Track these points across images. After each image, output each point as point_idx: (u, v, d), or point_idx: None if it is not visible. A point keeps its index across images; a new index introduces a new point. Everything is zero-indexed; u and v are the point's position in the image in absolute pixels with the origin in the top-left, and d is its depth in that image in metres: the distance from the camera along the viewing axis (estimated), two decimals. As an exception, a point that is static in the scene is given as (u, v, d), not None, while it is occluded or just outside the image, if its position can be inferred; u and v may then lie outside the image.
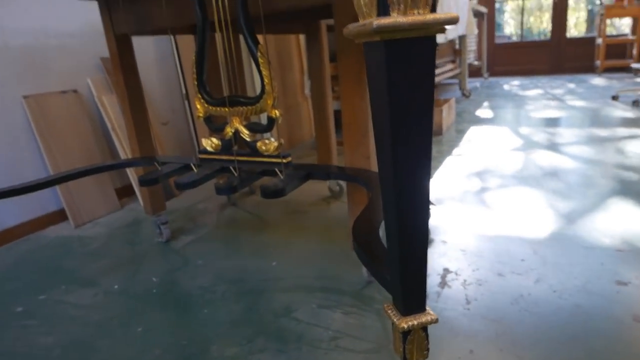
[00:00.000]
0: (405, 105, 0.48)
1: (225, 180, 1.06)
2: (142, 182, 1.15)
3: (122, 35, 1.49)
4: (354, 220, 0.80)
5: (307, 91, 3.30)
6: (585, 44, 6.30)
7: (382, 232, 0.77)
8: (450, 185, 1.99)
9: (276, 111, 1.09)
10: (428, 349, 0.55)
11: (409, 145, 0.49)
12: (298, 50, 3.28)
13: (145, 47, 2.37)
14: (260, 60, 1.12)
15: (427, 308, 0.55)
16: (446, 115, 3.16)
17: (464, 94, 4.82)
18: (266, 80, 1.12)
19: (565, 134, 2.79)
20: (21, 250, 1.70)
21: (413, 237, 0.51)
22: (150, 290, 1.31)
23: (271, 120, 1.11)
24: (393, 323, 0.55)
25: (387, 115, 0.47)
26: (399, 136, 0.48)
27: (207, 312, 1.17)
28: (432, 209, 1.58)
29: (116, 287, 1.35)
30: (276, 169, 1.12)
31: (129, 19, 1.42)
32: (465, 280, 1.21)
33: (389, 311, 0.55)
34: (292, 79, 3.22)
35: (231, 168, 1.16)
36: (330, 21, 2.00)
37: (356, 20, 0.51)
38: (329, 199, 1.96)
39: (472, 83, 6.02)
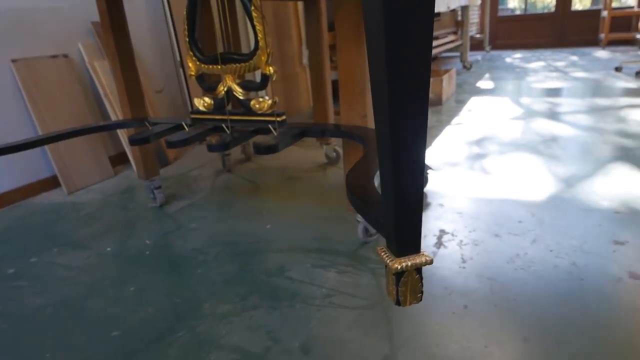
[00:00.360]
0: (403, 54, 0.45)
1: (218, 139, 1.03)
2: (132, 141, 1.12)
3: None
4: (349, 171, 0.78)
5: (305, 61, 3.23)
6: (590, 16, 6.16)
7: (377, 183, 0.75)
8: (448, 153, 1.96)
9: (270, 68, 1.05)
10: (422, 292, 0.53)
11: (406, 90, 0.46)
12: (296, 19, 3.20)
13: (138, 12, 2.31)
14: (254, 14, 1.08)
15: (422, 250, 0.53)
16: (446, 85, 3.10)
17: (465, 66, 4.73)
18: (260, 36, 1.08)
19: (566, 104, 2.74)
20: (12, 216, 1.69)
21: (409, 173, 0.49)
22: (143, 252, 1.30)
23: (265, 78, 1.07)
24: (386, 266, 0.53)
25: (384, 65, 0.44)
26: (396, 83, 0.45)
27: (200, 272, 1.16)
28: (430, 174, 1.55)
29: (109, 249, 1.34)
30: (270, 127, 1.09)
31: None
32: (461, 241, 1.19)
33: (382, 253, 0.53)
34: (290, 49, 3.15)
35: (224, 126, 1.13)
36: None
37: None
38: (325, 166, 1.94)
39: (474, 56, 5.91)
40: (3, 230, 1.57)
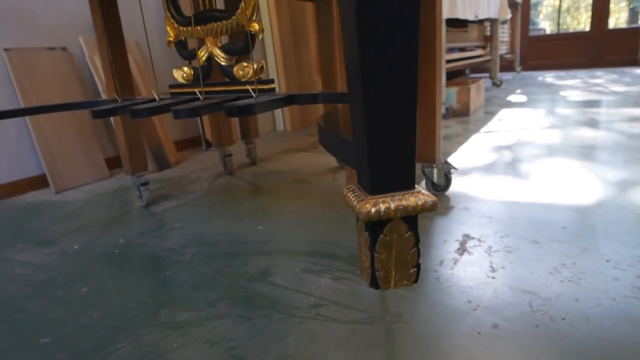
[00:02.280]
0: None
1: (187, 104, 0.85)
2: (95, 114, 0.96)
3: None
4: (322, 115, 0.58)
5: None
6: (628, 35, 5.85)
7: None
8: (477, 158, 1.73)
9: (255, 25, 0.88)
10: (418, 267, 0.32)
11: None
12: (314, 25, 3.08)
13: (148, 10, 2.21)
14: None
15: (418, 187, 0.32)
16: (474, 95, 2.88)
17: (494, 83, 4.50)
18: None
19: (606, 114, 2.47)
20: (-7, 213, 1.55)
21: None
22: (112, 251, 1.12)
23: (250, 37, 0.90)
24: (355, 210, 0.32)
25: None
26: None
27: (169, 274, 0.96)
28: (453, 173, 1.33)
29: (75, 247, 1.16)
30: (251, 91, 0.90)
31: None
32: (490, 247, 0.96)
33: (349, 193, 0.32)
34: (306, 56, 3.01)
35: (197, 93, 0.95)
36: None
37: None
38: (336, 170, 1.73)
39: (504, 76, 5.67)
40: (-26, 226, 1.42)
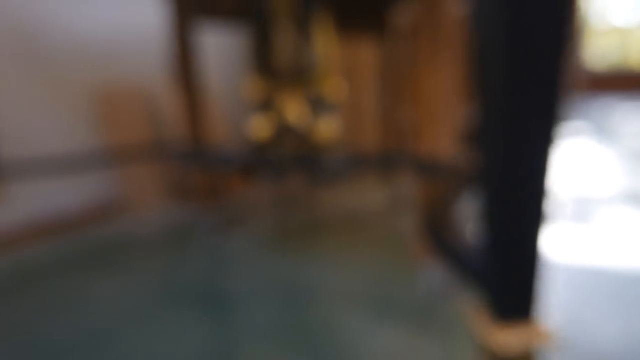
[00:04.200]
0: (528, 62, 0.28)
1: (268, 169, 0.90)
2: (176, 174, 1.02)
3: (184, 18, 1.42)
4: (423, 209, 0.59)
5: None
6: None
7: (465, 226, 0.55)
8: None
9: (334, 87, 0.91)
10: None
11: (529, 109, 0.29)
12: (372, 68, 3.08)
13: (213, 48, 2.34)
14: (318, 24, 0.96)
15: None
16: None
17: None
18: (322, 49, 0.95)
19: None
20: (64, 239, 1.67)
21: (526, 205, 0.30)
22: (173, 284, 1.17)
23: (328, 100, 0.93)
24: (481, 338, 0.33)
25: (502, 79, 0.28)
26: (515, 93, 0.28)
27: (232, 316, 1.00)
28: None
29: (148, 277, 1.23)
30: (328, 157, 0.94)
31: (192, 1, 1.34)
32: (565, 315, 0.92)
33: (477, 317, 0.33)
34: (365, 101, 3.02)
35: (278, 157, 1.00)
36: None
37: None
38: (393, 207, 1.73)
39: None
40: (51, 251, 1.54)
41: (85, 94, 1.84)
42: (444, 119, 0.98)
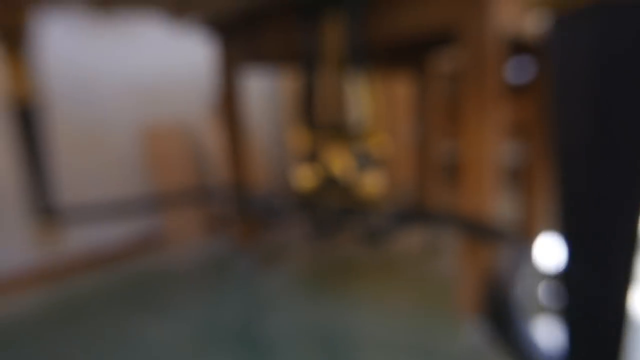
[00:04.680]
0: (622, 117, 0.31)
1: (315, 226, 0.93)
2: (225, 219, 1.06)
3: (232, 63, 1.50)
4: (481, 287, 0.61)
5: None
6: None
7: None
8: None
9: (379, 142, 0.95)
10: None
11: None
12: (406, 106, 3.11)
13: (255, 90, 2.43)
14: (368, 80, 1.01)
15: None
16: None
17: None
18: (366, 105, 1.00)
19: None
20: (104, 275, 1.72)
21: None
22: (211, 325, 1.20)
23: (375, 157, 0.97)
24: None
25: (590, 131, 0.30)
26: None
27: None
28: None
29: (186, 316, 1.27)
30: (373, 212, 0.97)
31: (241, 48, 1.43)
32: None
33: None
34: (400, 135, 3.04)
35: (324, 210, 1.03)
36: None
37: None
38: (429, 253, 1.74)
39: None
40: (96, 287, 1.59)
41: (133, 134, 1.94)
42: (491, 171, 1.00)
